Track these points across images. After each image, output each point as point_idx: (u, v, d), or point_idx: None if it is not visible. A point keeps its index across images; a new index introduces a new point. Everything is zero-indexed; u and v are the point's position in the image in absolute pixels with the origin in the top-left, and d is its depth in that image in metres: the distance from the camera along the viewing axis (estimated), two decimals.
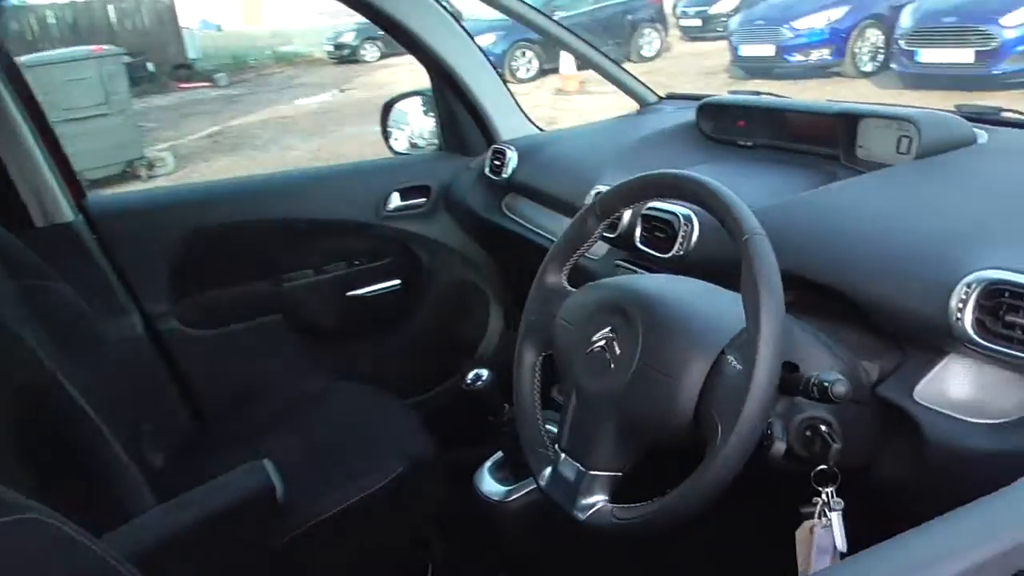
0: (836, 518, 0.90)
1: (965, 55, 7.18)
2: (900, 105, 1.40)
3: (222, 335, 1.82)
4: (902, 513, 1.05)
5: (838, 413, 0.91)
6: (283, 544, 1.26)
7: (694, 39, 12.42)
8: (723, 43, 10.30)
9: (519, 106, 2.05)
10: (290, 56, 16.45)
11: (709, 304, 0.93)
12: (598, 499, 0.93)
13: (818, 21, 8.88)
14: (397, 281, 2.02)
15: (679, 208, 1.25)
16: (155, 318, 1.75)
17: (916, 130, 1.23)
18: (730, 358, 0.85)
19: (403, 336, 2.06)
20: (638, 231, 1.32)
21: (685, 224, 1.23)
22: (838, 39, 8.82)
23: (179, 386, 1.77)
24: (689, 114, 1.74)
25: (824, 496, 0.90)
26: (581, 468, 0.94)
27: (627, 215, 1.34)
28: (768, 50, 9.17)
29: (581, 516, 0.93)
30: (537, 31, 1.98)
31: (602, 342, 0.95)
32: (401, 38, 1.85)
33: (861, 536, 0.90)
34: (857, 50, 8.85)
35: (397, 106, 2.16)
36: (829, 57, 8.89)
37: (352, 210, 1.92)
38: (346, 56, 14.99)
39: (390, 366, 2.03)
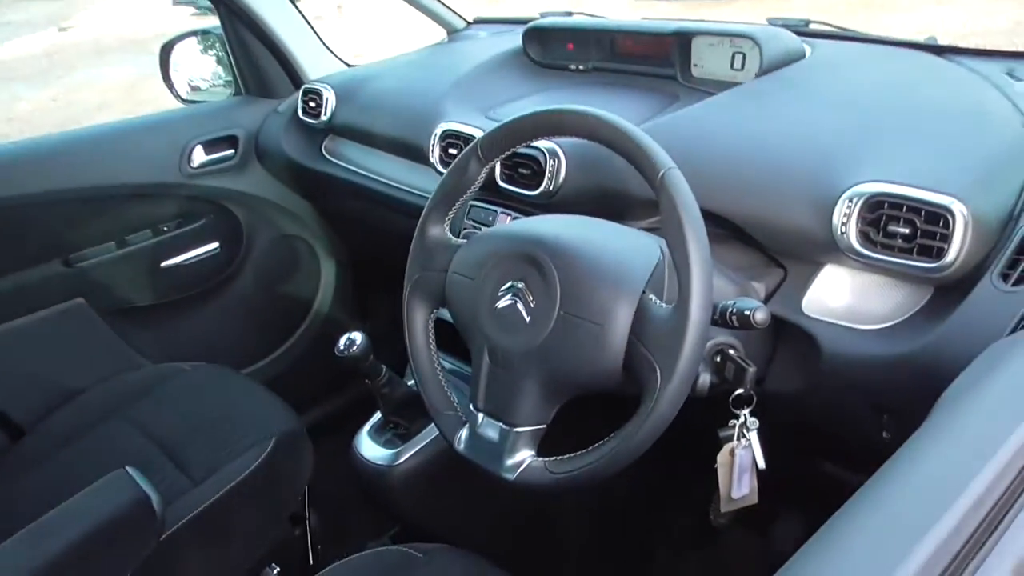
0: (754, 437, 0.93)
1: None
2: (712, 21, 1.44)
3: (12, 331, 1.56)
4: (808, 424, 1.12)
5: (740, 336, 0.94)
6: (153, 549, 1.13)
7: None
8: None
9: (323, 41, 1.89)
10: None
11: (619, 244, 0.91)
12: (525, 455, 0.90)
13: None
14: (214, 245, 1.83)
15: (542, 143, 1.20)
16: None
17: (757, 47, 1.26)
18: (651, 297, 0.83)
19: (228, 304, 1.88)
20: (498, 170, 1.27)
21: (552, 159, 1.19)
22: None
23: None
24: (511, 39, 1.69)
25: (742, 418, 0.93)
26: (504, 427, 0.90)
27: None
28: None
29: (510, 476, 0.90)
30: None
31: (511, 294, 0.90)
32: None
33: (775, 452, 0.95)
34: None
35: (177, 47, 1.93)
36: None
37: (151, 171, 1.70)
38: None
39: (218, 338, 1.86)
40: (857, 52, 1.36)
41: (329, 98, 1.70)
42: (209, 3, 1.79)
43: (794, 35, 1.32)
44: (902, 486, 0.51)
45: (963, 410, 0.61)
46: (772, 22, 1.49)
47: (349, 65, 1.92)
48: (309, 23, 1.86)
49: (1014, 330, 0.81)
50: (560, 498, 1.44)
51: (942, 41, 1.39)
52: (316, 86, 1.73)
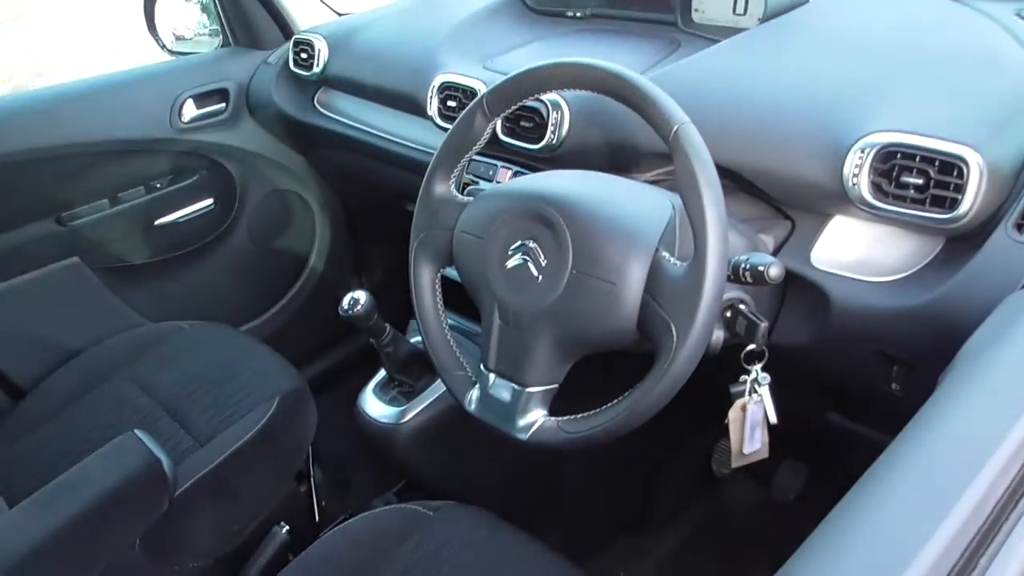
0: (765, 392, 0.93)
1: None
2: None
3: (9, 291, 1.54)
4: (815, 376, 1.13)
5: (750, 291, 0.93)
6: (163, 511, 1.13)
7: None
8: None
9: None
10: None
11: (630, 200, 0.89)
12: (537, 415, 0.90)
13: None
14: (209, 201, 1.80)
15: (545, 95, 1.17)
16: None
17: None
18: (665, 254, 0.82)
19: (224, 261, 1.86)
20: (499, 123, 1.24)
21: (554, 111, 1.17)
22: None
23: None
24: None
25: (753, 373, 0.93)
26: (517, 387, 0.90)
27: None
28: None
29: (523, 436, 0.90)
30: None
31: (522, 253, 0.89)
32: None
33: (782, 404, 0.95)
34: None
35: None
36: None
37: (142, 126, 1.66)
38: None
39: (216, 296, 1.84)
40: None
41: (321, 49, 1.65)
42: None
43: None
44: (932, 448, 0.51)
45: (986, 365, 0.60)
46: None
47: (340, 14, 1.87)
48: None
49: None
50: (569, 455, 1.46)
51: None
52: (307, 36, 1.68)
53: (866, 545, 0.45)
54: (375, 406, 1.31)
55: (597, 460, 1.58)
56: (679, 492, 1.71)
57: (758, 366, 0.92)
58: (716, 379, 0.94)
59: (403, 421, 1.28)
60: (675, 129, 0.79)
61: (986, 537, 0.45)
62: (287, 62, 1.74)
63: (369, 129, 1.61)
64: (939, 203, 0.87)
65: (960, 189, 0.85)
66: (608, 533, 1.63)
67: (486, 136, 0.97)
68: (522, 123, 1.21)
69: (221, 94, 1.76)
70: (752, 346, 0.90)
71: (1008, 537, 0.45)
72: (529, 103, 1.16)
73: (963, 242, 0.89)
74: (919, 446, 0.51)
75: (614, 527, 1.64)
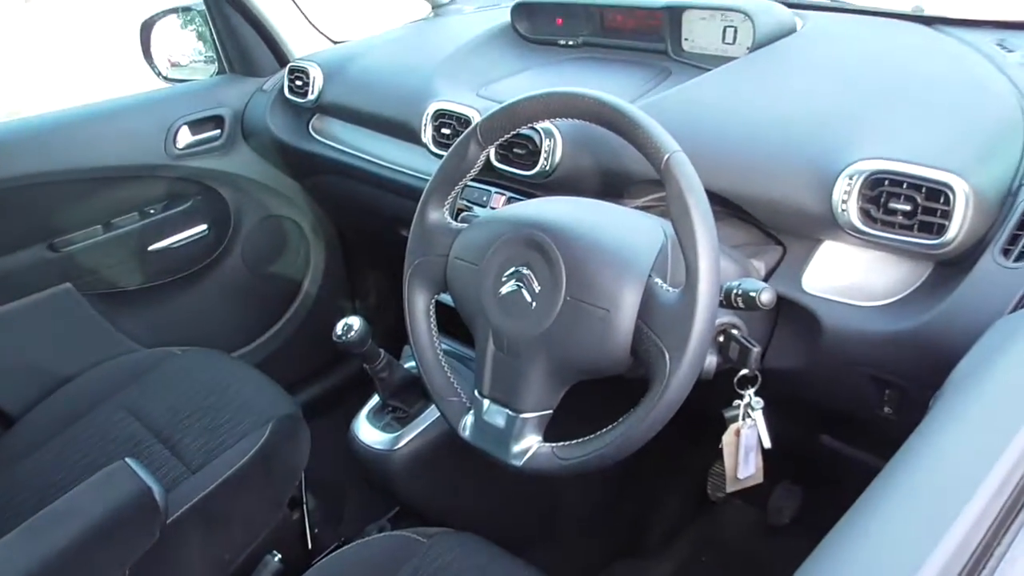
0: (759, 416, 0.94)
1: None
2: None
3: (0, 317, 1.54)
4: (808, 400, 1.13)
5: (743, 316, 0.94)
6: (154, 540, 1.13)
7: None
8: None
9: (307, 17, 1.86)
10: None
11: (623, 227, 0.90)
12: (532, 441, 0.90)
13: None
14: (203, 227, 1.81)
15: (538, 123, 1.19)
16: None
17: (749, 21, 1.25)
18: (657, 280, 0.83)
19: (217, 287, 1.86)
20: (492, 150, 1.25)
21: (547, 139, 1.18)
22: None
23: None
24: (498, 15, 1.67)
25: (746, 398, 0.93)
26: (511, 413, 0.90)
27: None
28: None
29: (517, 463, 0.90)
30: None
31: (515, 280, 0.90)
32: None
33: (775, 428, 0.96)
34: None
35: (158, 24, 1.89)
36: None
37: (136, 152, 1.67)
38: None
39: (209, 321, 1.84)
40: (848, 24, 1.35)
41: (316, 76, 1.67)
42: None
43: (785, 7, 1.31)
44: (925, 472, 0.51)
45: (976, 390, 0.61)
46: None
47: (335, 42, 1.89)
48: None
49: (1018, 306, 0.82)
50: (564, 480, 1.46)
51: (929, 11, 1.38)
52: (303, 64, 1.70)
53: (861, 570, 0.46)
54: (368, 432, 1.31)
55: (592, 485, 1.58)
56: (674, 516, 1.71)
57: (751, 391, 0.93)
58: (710, 403, 0.95)
59: (397, 447, 1.28)
60: (666, 158, 0.80)
61: (980, 560, 0.46)
62: (282, 89, 1.76)
63: (363, 155, 1.62)
64: (927, 229, 0.88)
65: (947, 215, 0.86)
66: (604, 558, 1.62)
67: (479, 164, 0.98)
68: (515, 150, 1.23)
69: (216, 121, 1.78)
70: (745, 371, 0.91)
71: (1000, 564, 0.46)
72: (522, 131, 1.18)
73: (952, 267, 0.90)
74: (911, 471, 0.52)
75: (609, 552, 1.64)
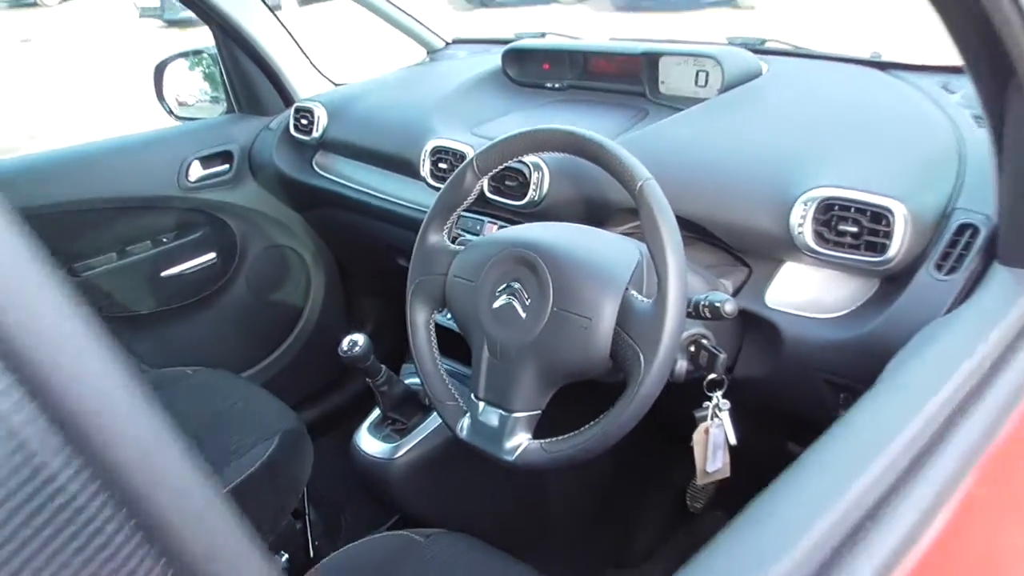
0: (726, 417, 1.04)
1: None
2: (678, 41, 1.57)
3: None
4: (775, 406, 1.24)
5: (711, 327, 1.05)
6: None
7: None
8: None
9: (311, 60, 1.99)
10: None
11: (603, 247, 1.01)
12: (522, 438, 1.00)
13: None
14: (211, 255, 1.92)
15: (528, 157, 1.31)
16: None
17: (719, 67, 1.38)
18: (633, 293, 0.94)
19: (225, 311, 1.97)
20: (486, 182, 1.37)
21: (536, 171, 1.30)
22: None
23: None
24: (489, 59, 1.80)
25: (715, 399, 1.04)
26: (504, 413, 1.00)
27: None
28: None
29: (510, 458, 0.99)
30: None
31: (508, 294, 1.00)
32: None
33: (749, 434, 1.06)
34: None
35: (170, 66, 2.02)
36: None
37: (151, 184, 1.79)
38: None
39: (217, 344, 1.94)
40: (809, 68, 1.49)
41: (320, 115, 1.80)
42: (174, 16, 1.88)
43: (751, 54, 1.45)
44: (830, 453, 0.63)
45: (892, 382, 0.72)
46: (732, 41, 1.62)
47: (335, 84, 2.02)
48: (298, 43, 1.96)
49: (948, 312, 0.93)
50: (550, 483, 1.55)
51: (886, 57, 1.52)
52: (308, 104, 1.83)
53: (757, 539, 0.56)
54: (369, 443, 1.41)
55: (582, 498, 1.67)
56: (657, 527, 1.80)
57: (719, 393, 1.04)
58: (684, 406, 1.06)
59: (396, 456, 1.37)
60: (640, 185, 0.92)
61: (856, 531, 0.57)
62: (288, 127, 1.88)
63: (364, 189, 1.74)
64: (872, 248, 1.00)
65: (889, 235, 0.98)
66: (595, 565, 1.71)
67: (475, 193, 1.10)
68: (507, 182, 1.34)
69: (225, 156, 1.90)
70: (713, 375, 1.02)
71: (878, 534, 0.56)
72: (513, 164, 1.30)
73: (894, 281, 1.02)
74: (821, 452, 0.63)
75: (599, 562, 1.72)
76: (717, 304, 0.93)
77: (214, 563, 0.34)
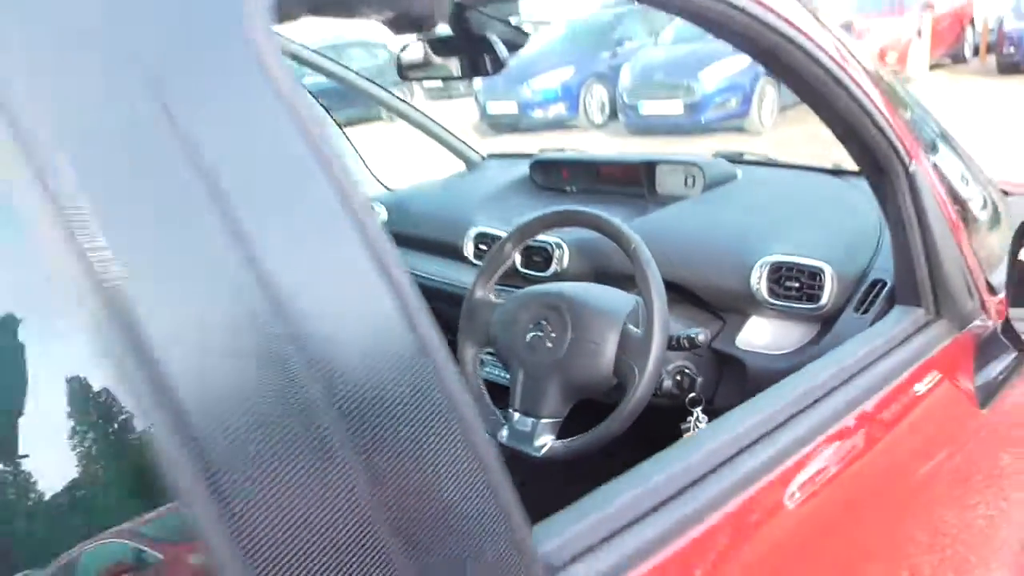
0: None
1: (675, 106, 8.47)
2: (671, 153, 1.96)
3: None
4: None
5: (693, 361, 1.38)
6: None
7: (435, 99, 13.28)
8: (463, 100, 11.14)
9: (368, 168, 2.40)
10: None
11: (607, 295, 1.35)
12: (547, 439, 1.31)
13: (551, 81, 9.95)
14: None
15: (550, 237, 1.68)
16: None
17: (701, 172, 1.77)
18: (630, 326, 1.27)
19: None
20: (518, 259, 1.73)
21: (558, 249, 1.67)
22: (570, 96, 9.94)
23: None
24: (518, 169, 2.20)
25: (695, 413, 1.36)
26: (534, 420, 1.31)
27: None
28: (512, 107, 10.11)
29: (538, 454, 1.30)
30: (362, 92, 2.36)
31: (537, 331, 1.34)
32: None
33: None
34: (588, 105, 10.02)
35: None
36: (565, 112, 9.98)
37: None
38: None
39: None
40: (775, 174, 1.87)
41: (380, 212, 2.19)
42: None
43: (729, 163, 1.83)
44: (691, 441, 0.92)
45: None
46: (717, 155, 2.01)
47: (389, 189, 2.42)
48: (357, 151, 2.37)
49: None
50: (557, 485, 1.82)
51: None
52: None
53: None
54: None
55: (581, 494, 1.93)
56: None
57: (699, 409, 1.35)
58: (672, 422, 1.37)
59: None
60: (633, 245, 1.27)
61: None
62: None
63: (415, 272, 2.10)
64: (810, 299, 1.34)
65: (821, 288, 1.33)
66: None
67: (511, 260, 1.45)
68: (534, 258, 1.71)
69: None
70: (693, 394, 1.34)
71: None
72: (539, 244, 1.67)
73: (829, 323, 1.36)
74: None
75: None
76: (692, 335, 1.26)
77: None
